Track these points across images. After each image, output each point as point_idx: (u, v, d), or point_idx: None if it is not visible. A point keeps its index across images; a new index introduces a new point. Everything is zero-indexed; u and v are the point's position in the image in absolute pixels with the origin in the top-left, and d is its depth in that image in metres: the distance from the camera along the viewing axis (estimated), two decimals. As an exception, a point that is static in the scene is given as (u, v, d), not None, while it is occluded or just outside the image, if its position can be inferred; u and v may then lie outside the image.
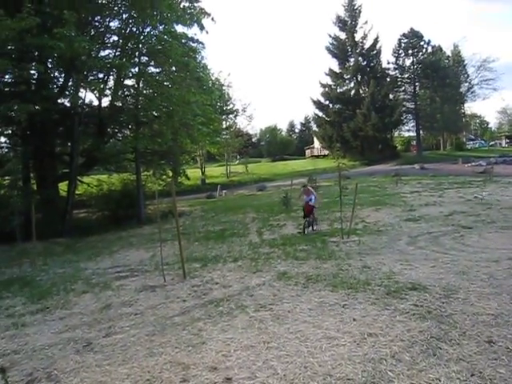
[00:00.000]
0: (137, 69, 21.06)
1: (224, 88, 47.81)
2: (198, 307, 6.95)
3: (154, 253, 12.03)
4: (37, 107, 17.38)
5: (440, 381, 4.08)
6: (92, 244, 15.70)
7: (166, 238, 13.93)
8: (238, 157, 63.59)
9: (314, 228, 13.95)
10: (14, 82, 18.95)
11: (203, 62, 27.11)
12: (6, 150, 23.54)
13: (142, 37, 20.79)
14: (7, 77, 19.25)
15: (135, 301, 7.64)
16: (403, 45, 63.40)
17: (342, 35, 62.95)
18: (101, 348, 5.64)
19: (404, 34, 63.49)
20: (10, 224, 17.18)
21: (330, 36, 63.40)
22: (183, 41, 21.39)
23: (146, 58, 21.72)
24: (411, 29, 63.47)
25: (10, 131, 22.09)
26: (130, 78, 21.78)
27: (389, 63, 64.14)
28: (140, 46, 20.96)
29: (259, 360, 4.84)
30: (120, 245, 14.83)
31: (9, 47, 17.63)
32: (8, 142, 23.16)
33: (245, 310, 6.57)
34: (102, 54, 21.57)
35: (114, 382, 4.64)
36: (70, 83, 20.68)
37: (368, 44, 62.21)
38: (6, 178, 20.64)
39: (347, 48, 62.69)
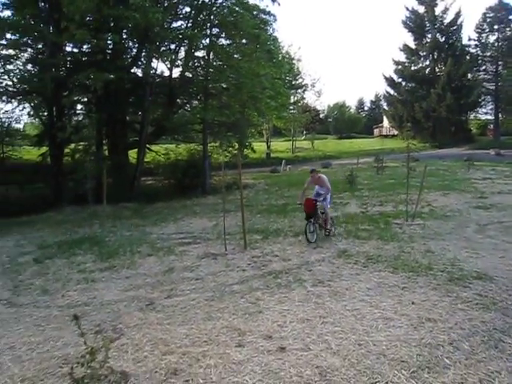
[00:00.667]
0: (208, 40, 21.22)
1: (293, 62, 47.20)
2: (256, 277, 7.10)
3: (217, 222, 12.30)
4: (111, 76, 18.02)
5: (500, 374, 3.95)
6: (158, 210, 16.26)
7: (229, 209, 14.10)
8: (305, 132, 62.79)
9: (329, 232, 10.06)
10: (91, 52, 19.70)
11: (274, 34, 26.82)
12: (81, 118, 24.68)
13: (213, 8, 20.84)
14: (85, 47, 20.07)
15: (196, 267, 7.93)
16: (488, 19, 58.53)
17: (421, 9, 59.74)
18: (162, 308, 5.94)
19: (490, 8, 58.38)
20: (83, 187, 18.15)
21: (408, 9, 60.47)
22: (255, 12, 21.25)
23: (217, 30, 21.80)
24: (499, 1, 58.16)
25: (85, 99, 23.08)
26: (200, 49, 22.03)
27: (470, 40, 59.88)
28: (212, 17, 21.04)
29: (314, 333, 4.90)
30: (184, 212, 15.27)
31: (87, 18, 18.31)
32: (83, 109, 24.25)
33: (303, 283, 6.65)
34: (174, 25, 21.92)
35: (173, 340, 4.88)
36: (143, 53, 21.23)
37: (448, 19, 58.59)
38: (81, 143, 21.72)
39: (425, 23, 59.46)
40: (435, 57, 59.17)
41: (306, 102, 57.54)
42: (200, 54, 22.48)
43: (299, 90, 53.00)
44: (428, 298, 5.85)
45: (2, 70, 18.98)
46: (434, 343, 4.54)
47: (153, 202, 17.95)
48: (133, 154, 22.36)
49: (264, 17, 22.46)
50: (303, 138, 60.21)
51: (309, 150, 52.32)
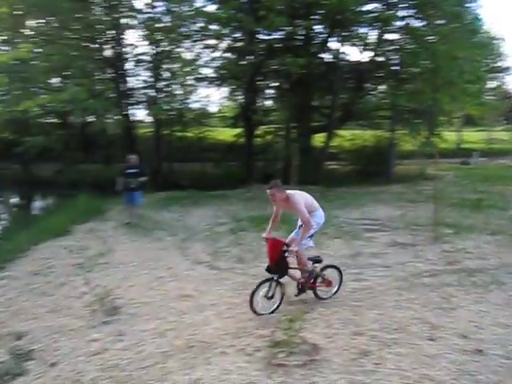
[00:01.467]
0: (400, 22, 20.31)
1: (495, 42, 42.39)
2: (448, 273, 6.77)
3: (404, 212, 11.77)
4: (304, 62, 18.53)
5: None
6: (341, 195, 16.26)
7: (416, 200, 13.64)
8: (504, 122, 56.06)
9: (302, 288, 5.81)
10: (284, 39, 20.53)
11: (476, 12, 24.35)
12: (272, 101, 26.05)
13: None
14: (278, 34, 20.99)
15: (384, 254, 7.86)
16: None
17: None
18: (351, 290, 6.06)
19: None
20: (272, 167, 19.17)
21: None
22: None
23: (412, 11, 20.67)
24: None
25: (277, 84, 24.25)
26: (392, 32, 21.20)
27: None
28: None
29: (516, 341, 4.51)
30: (368, 199, 14.97)
31: (282, 6, 19.06)
32: (275, 93, 25.51)
33: (501, 286, 6.14)
34: (365, 8, 21.40)
35: (362, 323, 4.98)
36: (333, 38, 21.30)
37: None
38: (271, 126, 22.98)
39: None
40: None
41: (505, 87, 51.32)
42: (391, 36, 21.63)
43: (499, 74, 47.42)
44: None
45: (208, 59, 21.03)
46: None
47: (336, 187, 18.05)
48: (315, 137, 22.79)
49: (466, -9, 20.59)
50: (501, 128, 53.95)
51: (507, 141, 46.75)
